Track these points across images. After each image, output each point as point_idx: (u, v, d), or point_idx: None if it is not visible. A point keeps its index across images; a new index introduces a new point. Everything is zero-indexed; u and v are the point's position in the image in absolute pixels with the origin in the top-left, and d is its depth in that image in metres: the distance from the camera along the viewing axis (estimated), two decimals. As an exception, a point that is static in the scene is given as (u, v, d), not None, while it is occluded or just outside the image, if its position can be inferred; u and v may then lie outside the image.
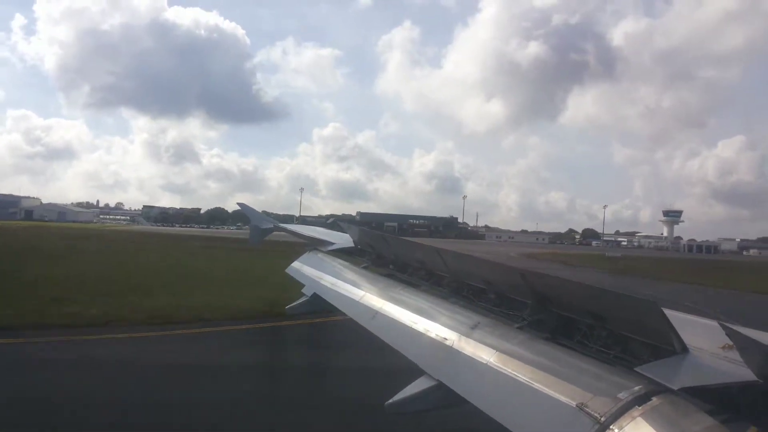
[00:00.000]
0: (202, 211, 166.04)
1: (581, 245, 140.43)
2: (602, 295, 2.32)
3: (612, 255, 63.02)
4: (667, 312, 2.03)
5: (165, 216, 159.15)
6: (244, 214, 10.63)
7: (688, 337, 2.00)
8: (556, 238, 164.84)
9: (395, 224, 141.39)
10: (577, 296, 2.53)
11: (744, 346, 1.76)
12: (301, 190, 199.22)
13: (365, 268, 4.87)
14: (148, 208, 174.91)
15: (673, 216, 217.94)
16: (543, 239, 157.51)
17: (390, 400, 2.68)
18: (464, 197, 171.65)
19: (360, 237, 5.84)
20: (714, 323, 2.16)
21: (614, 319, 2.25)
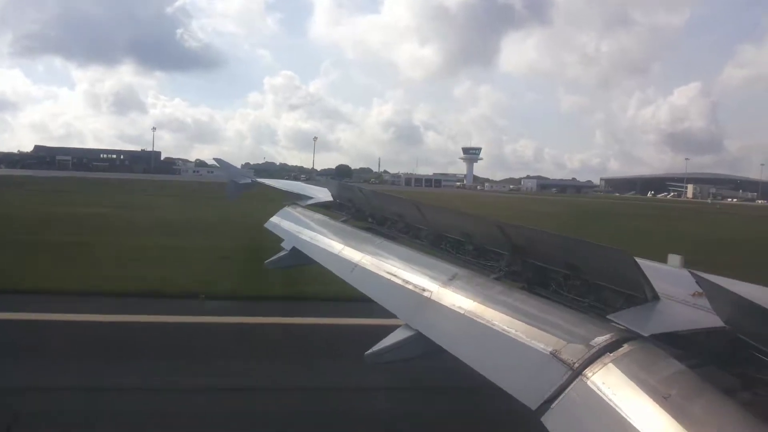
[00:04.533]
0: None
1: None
2: (577, 245, 2.35)
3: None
4: (640, 261, 2.07)
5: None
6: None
7: (659, 285, 2.05)
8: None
9: (69, 158, 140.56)
10: (552, 247, 2.57)
11: (713, 293, 1.80)
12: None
13: (344, 222, 4.87)
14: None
15: (472, 154, 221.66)
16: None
17: (369, 350, 2.72)
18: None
19: (339, 191, 5.82)
20: (685, 272, 2.21)
21: (588, 268, 2.29)
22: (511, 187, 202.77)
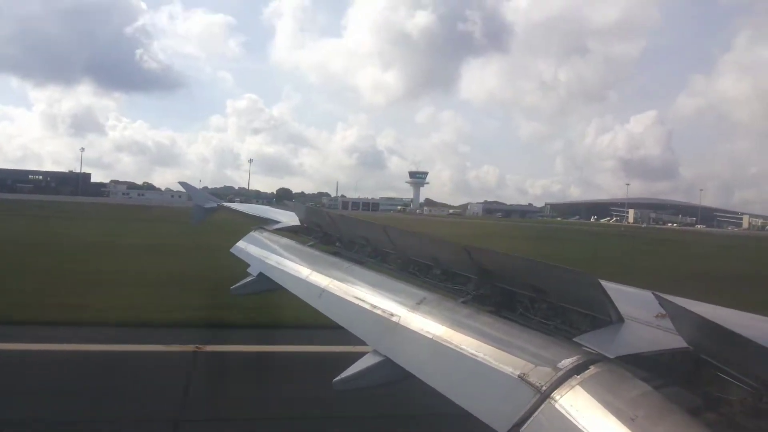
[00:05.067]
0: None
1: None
2: (543, 268, 2.37)
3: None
4: (604, 283, 2.10)
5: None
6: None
7: (623, 307, 2.07)
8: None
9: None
10: (519, 270, 2.58)
11: (676, 314, 1.83)
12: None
13: (312, 246, 4.83)
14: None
15: (418, 178, 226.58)
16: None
17: (338, 377, 2.68)
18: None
19: (306, 215, 5.79)
20: (648, 293, 2.24)
21: (554, 291, 2.31)
22: (450, 211, 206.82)
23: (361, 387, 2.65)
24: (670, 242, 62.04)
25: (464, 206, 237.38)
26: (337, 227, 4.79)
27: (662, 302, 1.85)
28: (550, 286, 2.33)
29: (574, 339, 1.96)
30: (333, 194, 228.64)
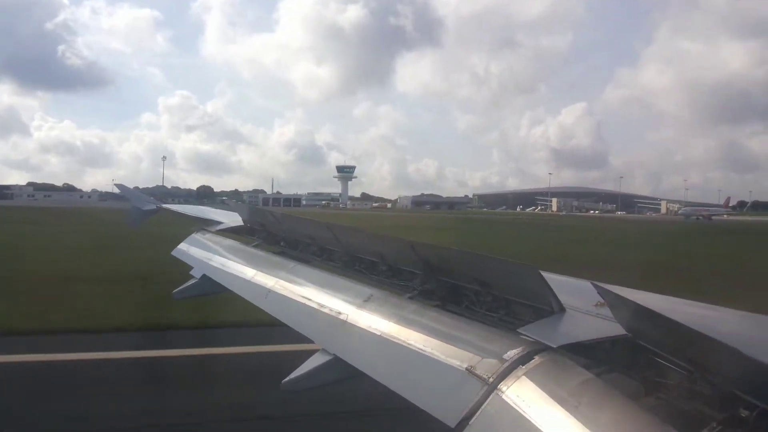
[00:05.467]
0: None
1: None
2: (486, 261, 2.41)
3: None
4: (545, 275, 2.15)
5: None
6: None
7: (564, 298, 2.13)
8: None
9: None
10: (462, 264, 2.62)
11: (614, 303, 1.89)
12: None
13: (256, 246, 4.76)
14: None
15: (346, 172, 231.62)
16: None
17: (286, 378, 2.66)
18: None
19: (249, 215, 5.70)
20: (587, 283, 2.31)
21: (498, 284, 2.35)
22: (375, 204, 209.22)
23: (311, 386, 2.63)
24: (565, 228, 65.34)
25: (395, 200, 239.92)
26: (281, 226, 4.74)
27: (600, 291, 1.91)
28: (493, 279, 2.37)
29: (518, 330, 2.00)
30: (269, 191, 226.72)
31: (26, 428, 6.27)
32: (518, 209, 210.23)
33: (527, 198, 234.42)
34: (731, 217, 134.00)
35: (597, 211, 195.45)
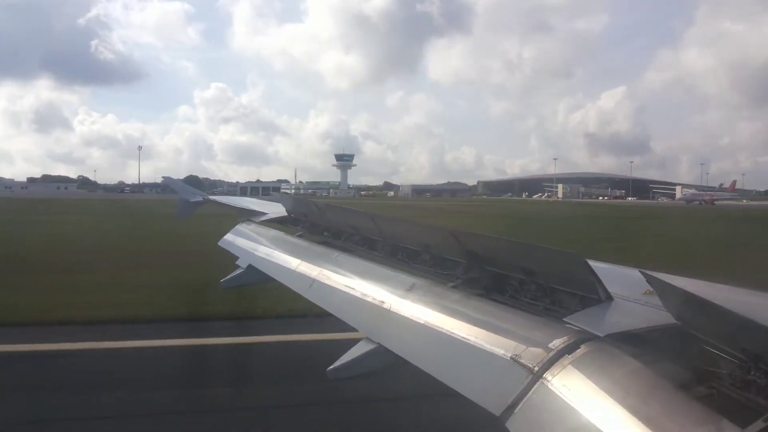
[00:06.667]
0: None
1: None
2: (530, 250, 2.39)
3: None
4: (591, 263, 2.12)
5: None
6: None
7: (611, 286, 2.10)
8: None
9: None
10: (507, 252, 2.60)
11: (663, 291, 1.85)
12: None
13: (300, 236, 4.83)
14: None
15: (345, 160, 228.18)
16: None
17: (331, 366, 2.70)
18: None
19: (293, 206, 5.78)
20: (635, 271, 2.27)
21: (543, 272, 2.33)
22: (363, 193, 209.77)
23: (355, 375, 2.67)
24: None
25: (397, 187, 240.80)
26: (324, 217, 4.79)
27: (649, 279, 1.87)
28: (538, 268, 2.35)
29: (564, 319, 1.98)
30: (292, 181, 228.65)
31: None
32: (524, 196, 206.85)
33: (534, 184, 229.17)
34: (734, 203, 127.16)
35: (606, 198, 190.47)
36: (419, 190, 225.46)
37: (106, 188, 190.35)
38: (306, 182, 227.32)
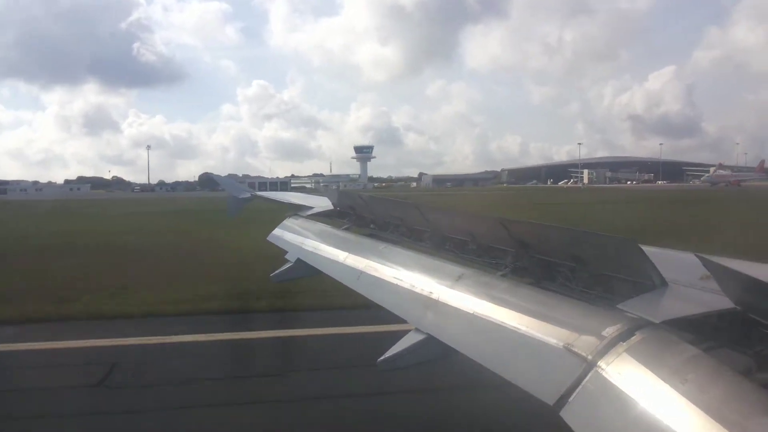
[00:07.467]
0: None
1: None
2: (581, 236, 2.35)
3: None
4: (645, 248, 2.06)
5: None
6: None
7: (666, 272, 2.04)
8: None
9: None
10: (556, 240, 2.56)
11: (720, 275, 1.79)
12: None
13: (346, 229, 4.87)
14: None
15: (364, 153, 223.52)
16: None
17: (382, 357, 2.71)
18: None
19: (339, 199, 5.82)
20: (691, 256, 2.20)
21: (594, 259, 2.28)
22: (375, 185, 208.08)
23: (406, 365, 2.68)
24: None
25: (419, 177, 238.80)
26: (370, 209, 4.81)
27: (706, 263, 1.81)
28: (589, 254, 2.31)
29: (617, 306, 1.94)
30: (326, 173, 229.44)
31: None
32: (549, 183, 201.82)
33: (560, 170, 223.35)
34: (760, 184, 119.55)
35: (634, 182, 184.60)
36: (439, 181, 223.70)
37: (121, 187, 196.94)
38: (327, 175, 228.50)
